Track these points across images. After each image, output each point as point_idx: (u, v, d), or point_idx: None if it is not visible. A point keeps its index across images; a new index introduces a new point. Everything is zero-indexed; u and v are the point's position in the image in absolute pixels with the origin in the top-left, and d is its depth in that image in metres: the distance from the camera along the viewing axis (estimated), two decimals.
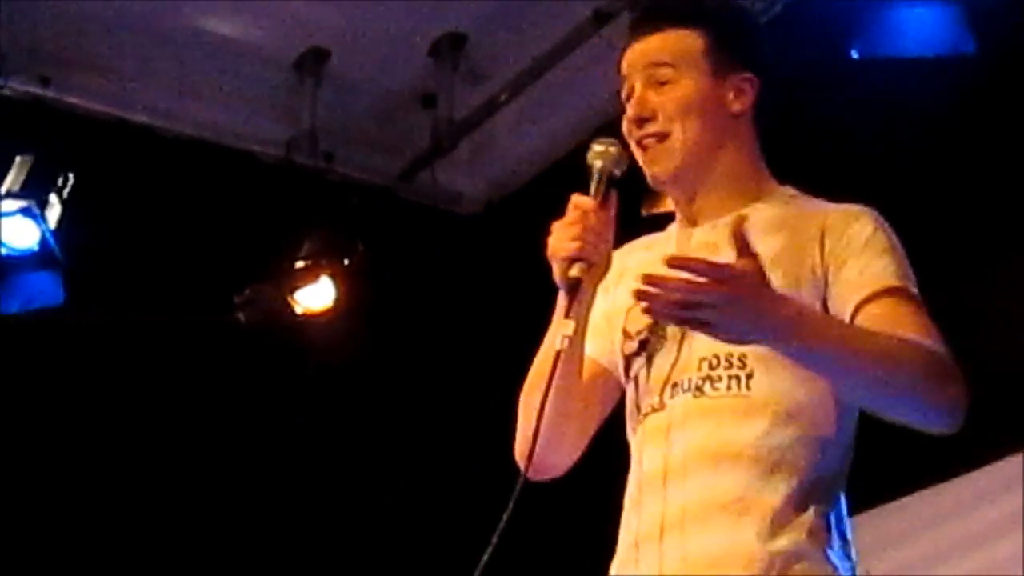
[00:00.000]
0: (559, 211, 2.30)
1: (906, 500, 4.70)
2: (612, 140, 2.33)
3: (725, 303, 2.07)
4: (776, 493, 2.21)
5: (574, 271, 2.25)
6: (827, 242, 2.27)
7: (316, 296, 5.05)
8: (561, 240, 2.26)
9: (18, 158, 4.82)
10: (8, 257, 4.87)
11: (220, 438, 5.34)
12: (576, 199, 2.27)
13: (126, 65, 5.13)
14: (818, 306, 2.25)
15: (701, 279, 2.07)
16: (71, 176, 4.85)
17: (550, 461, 2.37)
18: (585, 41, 4.81)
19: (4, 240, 4.86)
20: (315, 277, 5.05)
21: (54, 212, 4.85)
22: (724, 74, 2.37)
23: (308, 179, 5.30)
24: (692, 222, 2.39)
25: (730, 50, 2.38)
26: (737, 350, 2.25)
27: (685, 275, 2.08)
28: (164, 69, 5.17)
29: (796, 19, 4.43)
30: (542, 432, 2.26)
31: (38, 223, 4.84)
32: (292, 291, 5.06)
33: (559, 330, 2.23)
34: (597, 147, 2.32)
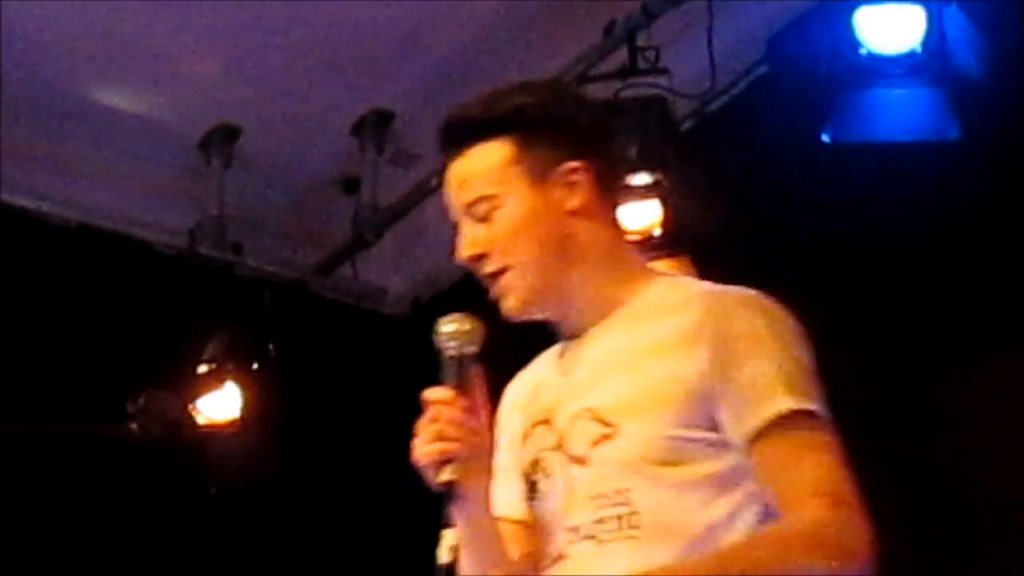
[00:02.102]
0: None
1: None
2: (458, 316, 2.28)
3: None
4: None
5: (446, 475, 2.19)
6: (707, 346, 2.22)
7: (220, 405, 4.93)
8: (422, 445, 2.21)
9: None
10: None
11: (110, 565, 5.10)
12: (429, 394, 2.24)
13: (10, 143, 4.93)
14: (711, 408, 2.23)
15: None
16: None
17: None
18: None
19: None
20: (219, 383, 4.91)
21: None
22: (545, 175, 2.31)
23: (213, 272, 5.22)
24: (578, 333, 2.34)
25: (543, 146, 2.32)
26: (618, 487, 2.24)
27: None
28: (50, 146, 5.08)
29: (763, 99, 4.59)
30: None
31: None
32: (193, 399, 4.92)
33: (443, 542, 2.25)
34: (444, 328, 2.27)
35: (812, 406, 2.19)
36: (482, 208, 2.32)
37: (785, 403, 2.17)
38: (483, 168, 2.34)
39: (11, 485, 5.09)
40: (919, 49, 3.95)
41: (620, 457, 2.21)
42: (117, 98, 5.03)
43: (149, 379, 4.92)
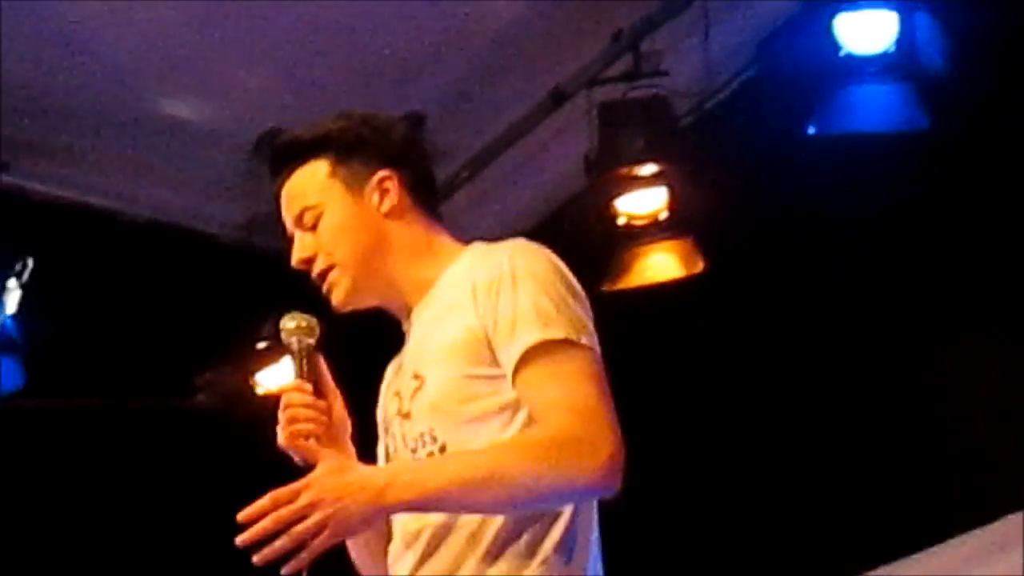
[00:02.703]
0: None
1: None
2: (296, 314, 2.38)
3: (319, 509, 2.12)
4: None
5: (307, 453, 2.27)
6: (479, 297, 2.30)
7: (277, 377, 4.96)
8: (281, 431, 2.30)
9: None
10: None
11: (179, 523, 5.25)
12: (281, 389, 2.38)
13: (85, 149, 5.09)
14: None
15: (281, 510, 2.11)
16: (30, 261, 4.68)
17: None
18: (542, 120, 4.88)
19: None
20: (276, 358, 4.94)
21: (13, 297, 4.70)
22: (359, 185, 2.42)
23: (268, 261, 5.01)
24: (408, 313, 2.43)
25: (356, 161, 2.42)
26: (424, 429, 2.31)
27: (265, 520, 2.11)
28: (123, 153, 5.14)
29: (754, 97, 4.59)
30: (370, 570, 2.44)
31: None
32: (252, 373, 5.00)
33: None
34: (287, 324, 2.37)
35: (562, 335, 2.24)
36: (308, 217, 2.41)
37: (536, 335, 2.23)
38: (306, 183, 2.43)
39: (97, 452, 5.20)
40: (892, 50, 4.05)
41: (427, 402, 2.31)
42: (180, 109, 5.07)
43: (213, 356, 5.05)
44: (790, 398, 4.77)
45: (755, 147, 4.46)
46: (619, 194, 4.50)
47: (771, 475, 4.85)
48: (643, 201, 4.49)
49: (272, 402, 5.10)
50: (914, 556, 4.44)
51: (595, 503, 2.33)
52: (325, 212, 2.40)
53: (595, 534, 2.34)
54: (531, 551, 2.25)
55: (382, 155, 2.43)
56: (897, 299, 4.49)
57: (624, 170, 4.45)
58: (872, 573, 4.54)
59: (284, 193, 2.45)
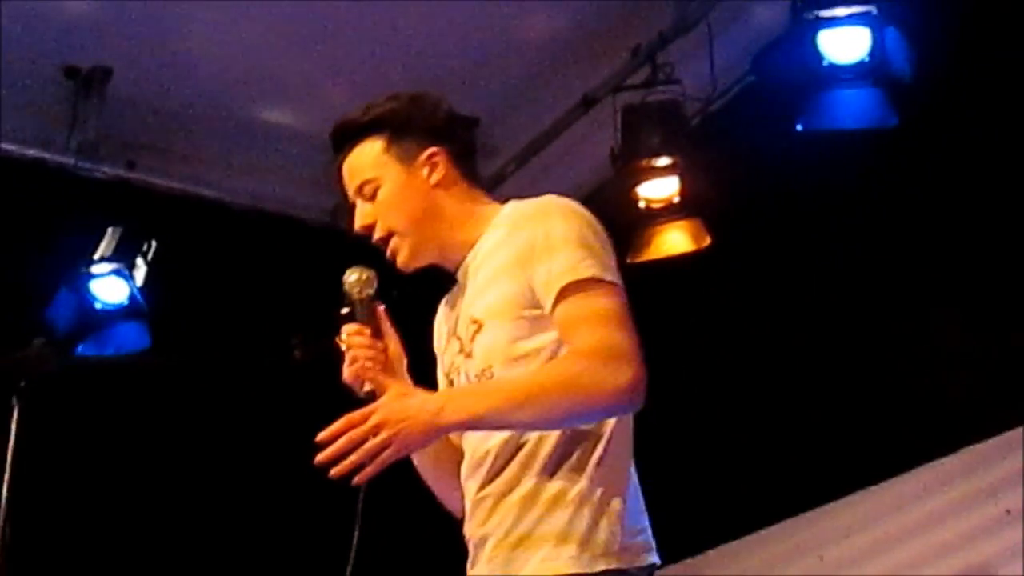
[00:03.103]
0: None
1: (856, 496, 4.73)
2: (358, 268, 2.40)
3: (387, 428, 2.14)
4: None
5: (366, 387, 2.30)
6: (522, 250, 2.30)
7: None
8: (346, 370, 2.35)
9: (109, 229, 4.92)
10: (102, 310, 4.90)
11: (278, 455, 5.02)
12: (343, 331, 2.38)
13: (198, 150, 5.21)
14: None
15: (353, 431, 2.14)
16: (153, 243, 4.93)
17: (455, 508, 2.46)
18: (575, 121, 4.94)
19: (99, 296, 4.91)
20: None
21: (140, 272, 4.93)
22: (411, 159, 2.41)
23: (349, 241, 5.22)
24: (459, 267, 2.43)
25: (407, 138, 2.41)
26: (484, 367, 2.30)
27: (341, 439, 2.14)
28: (228, 152, 5.25)
29: (752, 100, 4.67)
30: (438, 485, 2.45)
31: (127, 281, 4.91)
32: (337, 333, 5.02)
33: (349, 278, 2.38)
34: (349, 277, 2.41)
35: (590, 274, 2.25)
36: (367, 190, 2.42)
37: (569, 276, 2.25)
38: (363, 159, 2.42)
39: (209, 401, 5.31)
40: (866, 59, 4.11)
41: (485, 343, 2.32)
42: (274, 115, 5.18)
43: (305, 320, 4.73)
44: (781, 348, 4.79)
45: (753, 142, 4.52)
46: (639, 182, 4.58)
47: (763, 401, 4.86)
48: (659, 188, 4.59)
49: None
50: (884, 483, 4.46)
51: (631, 428, 2.32)
52: (382, 185, 2.40)
53: (631, 455, 2.33)
54: (580, 467, 2.25)
55: (430, 132, 2.42)
56: (869, 267, 4.54)
57: (643, 162, 4.53)
58: (849, 497, 4.60)
59: (345, 168, 2.45)
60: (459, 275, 2.44)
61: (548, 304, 2.27)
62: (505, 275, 2.32)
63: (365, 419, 2.17)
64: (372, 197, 2.42)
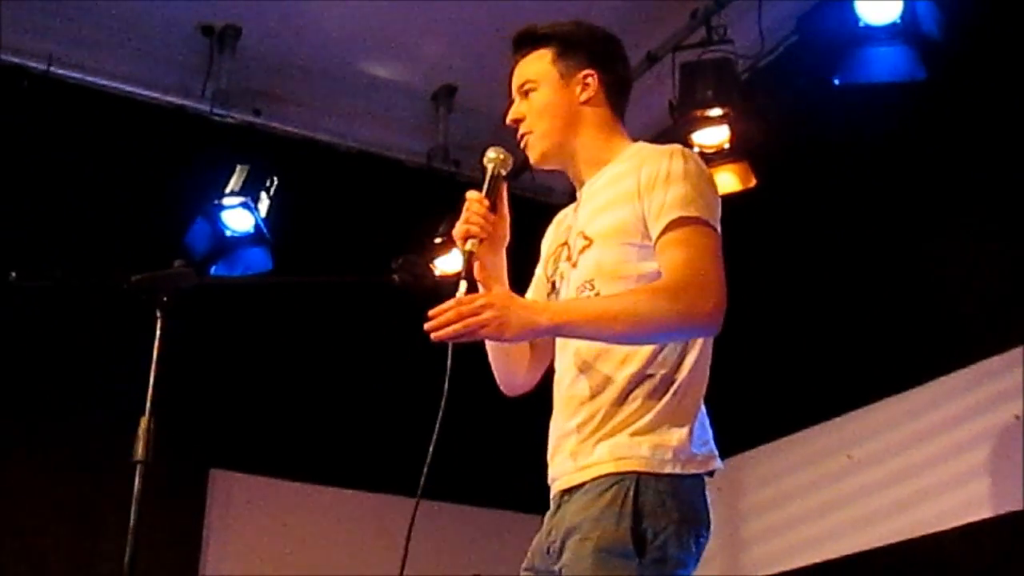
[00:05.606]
0: None
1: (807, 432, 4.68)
2: (500, 148, 2.38)
3: (490, 310, 2.13)
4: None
5: (468, 246, 2.29)
6: (642, 185, 2.28)
7: (450, 263, 5.02)
8: (457, 226, 2.33)
9: (238, 167, 4.92)
10: (232, 237, 4.91)
11: (376, 365, 5.33)
12: (467, 194, 2.35)
13: (313, 99, 5.23)
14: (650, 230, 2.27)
15: (463, 307, 2.14)
16: (275, 179, 4.93)
17: (516, 384, 2.48)
18: (640, 76, 4.85)
19: (229, 225, 4.91)
20: (448, 249, 5.02)
21: (264, 205, 4.93)
22: (570, 75, 2.41)
23: (442, 179, 5.34)
24: (582, 182, 2.44)
25: (572, 57, 2.42)
26: (587, 278, 2.30)
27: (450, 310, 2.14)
28: (338, 102, 5.26)
29: (795, 57, 4.66)
30: (501, 370, 2.45)
31: (252, 213, 4.91)
32: (432, 259, 5.04)
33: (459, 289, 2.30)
34: (490, 153, 2.38)
35: (696, 214, 2.24)
36: (528, 87, 2.42)
37: (678, 212, 2.25)
38: (533, 64, 2.43)
39: (321, 316, 5.25)
40: (899, 21, 4.07)
41: (592, 259, 2.32)
42: (378, 69, 5.19)
43: (404, 246, 4.69)
44: (816, 272, 4.73)
45: (795, 95, 4.51)
46: (694, 130, 4.54)
47: (798, 320, 4.79)
48: (712, 135, 4.55)
49: (446, 281, 5.17)
50: (906, 391, 4.32)
51: (711, 354, 2.30)
52: (539, 89, 2.40)
53: (707, 378, 2.30)
54: (664, 383, 2.24)
55: (592, 56, 2.42)
56: (897, 200, 4.50)
57: (698, 112, 4.49)
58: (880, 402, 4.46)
59: (516, 68, 2.44)
60: (582, 191, 2.44)
61: (656, 230, 2.26)
62: (623, 202, 2.31)
63: (473, 301, 2.17)
64: (527, 96, 2.42)
